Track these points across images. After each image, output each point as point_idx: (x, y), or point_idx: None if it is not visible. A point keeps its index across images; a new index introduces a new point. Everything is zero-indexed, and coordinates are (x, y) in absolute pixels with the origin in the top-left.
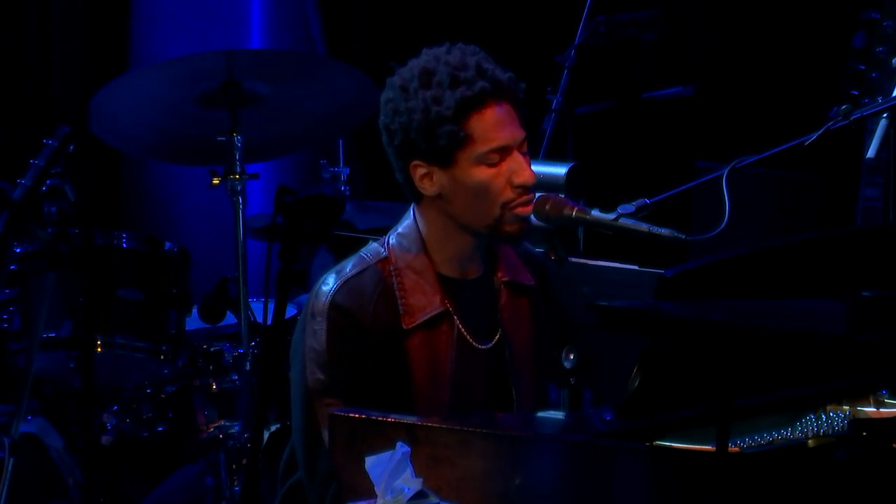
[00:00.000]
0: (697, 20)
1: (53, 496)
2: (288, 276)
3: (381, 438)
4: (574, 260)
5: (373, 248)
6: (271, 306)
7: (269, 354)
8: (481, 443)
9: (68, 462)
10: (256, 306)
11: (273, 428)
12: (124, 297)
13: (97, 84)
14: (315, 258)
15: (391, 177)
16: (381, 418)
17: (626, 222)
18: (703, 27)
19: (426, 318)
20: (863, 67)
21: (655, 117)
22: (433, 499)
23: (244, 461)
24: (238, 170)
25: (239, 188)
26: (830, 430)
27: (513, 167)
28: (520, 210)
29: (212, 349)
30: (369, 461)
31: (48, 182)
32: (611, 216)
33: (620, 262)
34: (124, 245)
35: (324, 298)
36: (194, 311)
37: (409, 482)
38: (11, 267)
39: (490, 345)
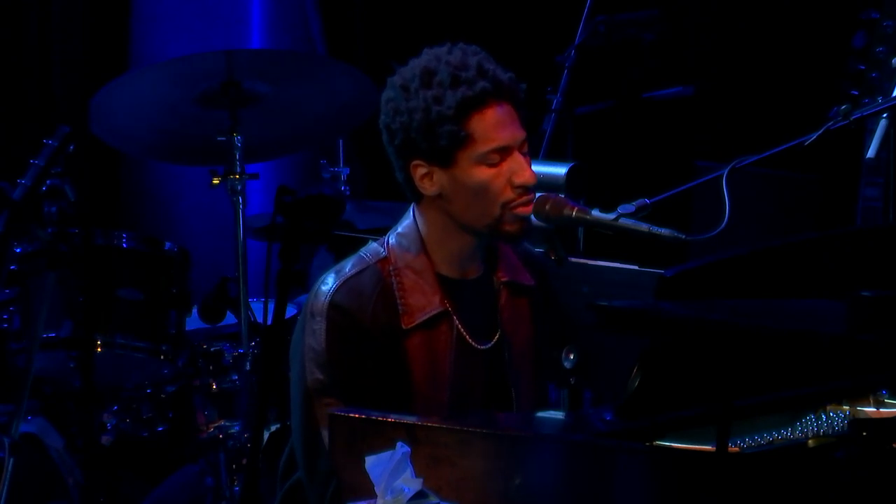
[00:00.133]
0: (697, 20)
1: (53, 496)
2: (288, 276)
3: (381, 438)
4: (574, 260)
5: (372, 248)
6: (271, 306)
7: (269, 354)
8: (481, 443)
9: (68, 462)
10: (256, 306)
11: (273, 428)
12: (124, 297)
13: (97, 84)
14: (315, 258)
15: (391, 177)
16: (381, 418)
17: (626, 222)
18: (703, 27)
19: (425, 318)
20: (863, 67)
21: (655, 117)
22: (433, 499)
23: (244, 461)
24: (238, 170)
25: (239, 188)
26: (830, 430)
27: (513, 167)
28: (520, 210)
29: (212, 349)
30: (369, 461)
31: (48, 182)
32: (611, 216)
33: (620, 262)
34: (124, 245)
35: (323, 298)
36: (194, 311)
37: (409, 482)
38: (11, 267)
39: (489, 345)
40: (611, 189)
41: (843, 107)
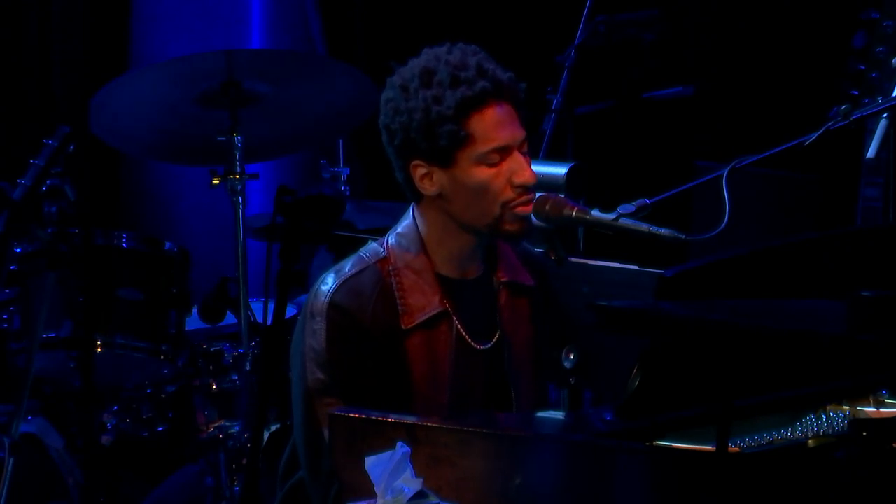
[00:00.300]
0: (697, 20)
1: (53, 496)
2: (288, 276)
3: (381, 438)
4: (574, 260)
5: (372, 248)
6: (271, 306)
7: (269, 354)
8: (481, 443)
9: (68, 462)
10: (256, 306)
11: (273, 428)
12: (124, 297)
13: (97, 84)
14: (315, 258)
15: (391, 177)
16: (381, 418)
17: (626, 222)
18: (703, 27)
19: (425, 318)
20: (863, 67)
21: (655, 117)
22: (433, 499)
23: (244, 461)
24: (238, 170)
25: (239, 188)
26: (830, 430)
27: (513, 167)
28: (520, 210)
29: (212, 349)
30: (369, 461)
31: (48, 182)
32: (611, 216)
33: (620, 262)
34: (124, 245)
35: (323, 298)
36: (194, 311)
37: (409, 482)
38: (11, 267)
39: (489, 345)
40: (611, 189)
41: (843, 107)
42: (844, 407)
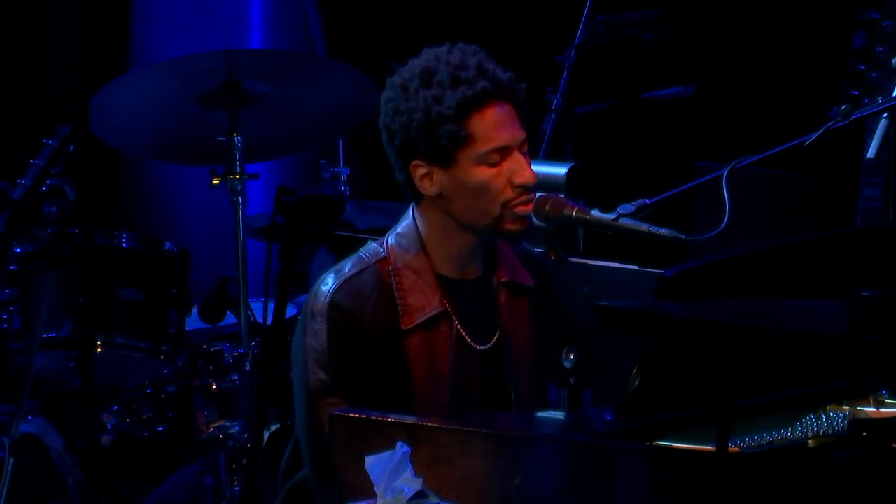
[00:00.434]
0: (697, 20)
1: (53, 496)
2: (288, 276)
3: (381, 438)
4: (574, 260)
5: (372, 248)
6: (271, 306)
7: (269, 354)
8: (481, 443)
9: (68, 462)
10: (256, 306)
11: (273, 428)
12: (124, 297)
13: (97, 84)
14: (315, 258)
15: (391, 177)
16: (381, 418)
17: (626, 222)
18: (703, 27)
19: (425, 318)
20: (863, 67)
21: (655, 117)
22: (433, 499)
23: (244, 461)
24: (238, 170)
25: (239, 188)
26: (830, 430)
27: (513, 167)
28: (520, 209)
29: (212, 349)
30: (369, 461)
31: (48, 182)
32: (611, 216)
33: (620, 262)
34: (124, 245)
35: (323, 298)
36: (194, 311)
37: (409, 482)
38: (11, 267)
39: (488, 345)
40: (611, 189)
41: (843, 107)
42: (844, 407)
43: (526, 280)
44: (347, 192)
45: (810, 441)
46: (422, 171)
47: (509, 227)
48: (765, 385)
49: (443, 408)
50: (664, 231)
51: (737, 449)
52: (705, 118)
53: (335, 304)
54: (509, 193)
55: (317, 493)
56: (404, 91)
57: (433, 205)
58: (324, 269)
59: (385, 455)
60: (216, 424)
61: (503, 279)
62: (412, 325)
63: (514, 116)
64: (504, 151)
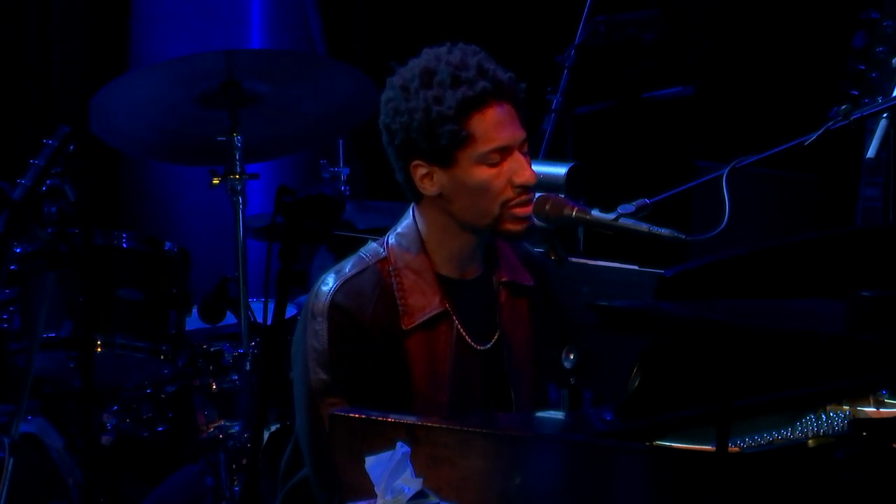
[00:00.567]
0: (697, 20)
1: (53, 496)
2: (288, 276)
3: (381, 438)
4: (574, 260)
5: (372, 248)
6: (271, 306)
7: (269, 354)
8: (481, 443)
9: (68, 462)
10: (256, 306)
11: (273, 428)
12: (124, 297)
13: (97, 84)
14: (315, 258)
15: (391, 177)
16: (381, 418)
17: (626, 222)
18: (703, 27)
19: (425, 318)
20: (863, 67)
21: (655, 117)
22: (433, 499)
23: (244, 461)
24: (238, 170)
25: (239, 188)
26: (830, 430)
27: (513, 167)
28: (520, 210)
29: (212, 349)
30: (369, 461)
31: (48, 182)
32: (611, 216)
33: (620, 262)
34: (124, 245)
35: (323, 298)
36: (194, 311)
37: (409, 482)
38: (11, 267)
39: (488, 345)
40: (611, 189)
41: (843, 107)
42: (844, 407)
43: (526, 280)
44: (347, 192)
45: (810, 441)
46: (422, 171)
47: (509, 227)
48: (765, 385)
49: (443, 408)
50: (664, 231)
51: (737, 449)
52: (705, 118)
53: (336, 305)
54: (509, 193)
55: (317, 493)
56: (404, 91)
57: (433, 205)
58: (324, 269)
59: (385, 455)
60: (216, 424)
61: (503, 279)
62: (412, 325)
63: (514, 116)
64: (504, 151)
